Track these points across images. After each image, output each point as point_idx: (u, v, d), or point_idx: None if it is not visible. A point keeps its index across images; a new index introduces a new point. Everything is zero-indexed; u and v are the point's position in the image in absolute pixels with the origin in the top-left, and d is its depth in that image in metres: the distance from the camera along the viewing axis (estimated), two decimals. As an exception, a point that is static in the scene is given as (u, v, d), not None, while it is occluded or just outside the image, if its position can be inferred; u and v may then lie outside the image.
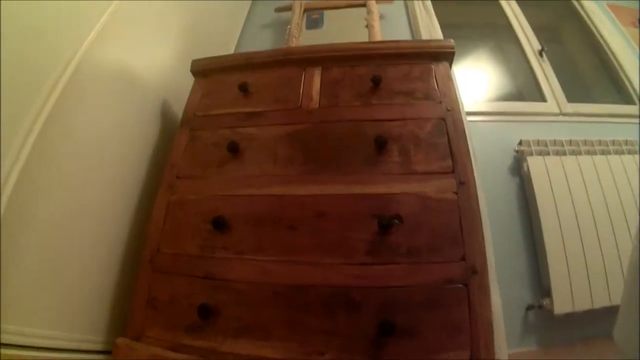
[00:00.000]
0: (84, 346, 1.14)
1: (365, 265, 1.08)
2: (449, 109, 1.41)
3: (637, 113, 2.45)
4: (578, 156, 2.08)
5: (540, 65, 2.64)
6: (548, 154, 2.06)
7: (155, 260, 1.20)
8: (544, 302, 1.75)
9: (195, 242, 1.19)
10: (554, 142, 2.11)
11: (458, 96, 1.47)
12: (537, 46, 2.73)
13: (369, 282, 1.05)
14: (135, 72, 1.49)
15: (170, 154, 1.43)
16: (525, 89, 2.66)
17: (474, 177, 1.26)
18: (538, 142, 2.10)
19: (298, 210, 1.18)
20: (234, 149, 1.32)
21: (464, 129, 1.37)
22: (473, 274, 1.08)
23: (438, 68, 1.56)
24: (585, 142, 2.15)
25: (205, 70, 1.65)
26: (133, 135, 1.46)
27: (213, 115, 1.49)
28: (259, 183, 1.25)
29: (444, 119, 1.38)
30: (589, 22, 2.99)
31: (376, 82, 1.45)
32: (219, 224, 1.16)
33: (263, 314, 1.05)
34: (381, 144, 1.27)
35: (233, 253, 1.15)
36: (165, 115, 1.70)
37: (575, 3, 3.07)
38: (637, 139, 2.18)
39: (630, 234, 1.85)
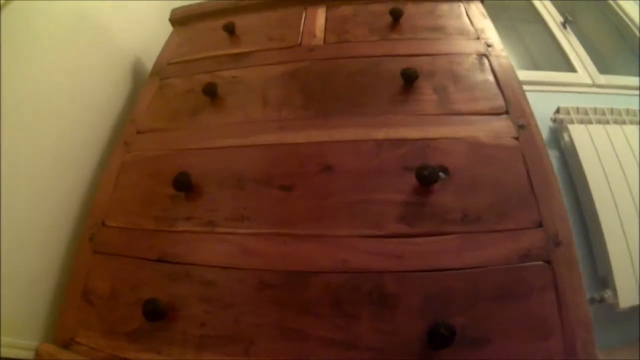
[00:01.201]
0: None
1: (400, 238, 0.65)
2: (490, 44, 1.00)
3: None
4: (623, 125, 1.64)
5: (566, 36, 2.21)
6: (590, 122, 1.63)
7: (98, 237, 0.79)
8: (606, 295, 1.31)
9: (151, 211, 0.77)
10: (595, 111, 1.68)
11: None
12: (559, 18, 2.30)
13: (407, 264, 0.63)
14: (107, 24, 1.11)
15: (133, 109, 1.01)
16: (548, 63, 2.23)
17: (535, 121, 0.84)
18: (578, 110, 1.66)
19: (295, 164, 0.76)
20: (211, 92, 0.91)
21: (512, 67, 0.95)
22: (556, 246, 0.66)
23: (469, 6, 1.15)
24: (627, 112, 1.71)
25: (186, 18, 1.24)
26: (97, 92, 1.06)
27: (189, 61, 1.08)
28: (241, 131, 0.84)
29: (485, 55, 0.96)
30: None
31: (396, 15, 1.04)
32: (183, 184, 0.74)
33: (242, 316, 0.63)
34: (410, 79, 0.85)
35: (201, 225, 0.73)
36: (141, 75, 1.29)
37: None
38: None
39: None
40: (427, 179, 0.66)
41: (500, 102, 0.86)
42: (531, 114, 0.86)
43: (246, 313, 0.62)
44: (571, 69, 2.06)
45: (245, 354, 0.59)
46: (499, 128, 0.81)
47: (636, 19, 2.39)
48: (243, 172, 0.76)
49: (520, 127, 0.82)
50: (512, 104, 0.86)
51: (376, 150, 0.74)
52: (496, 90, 0.89)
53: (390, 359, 0.55)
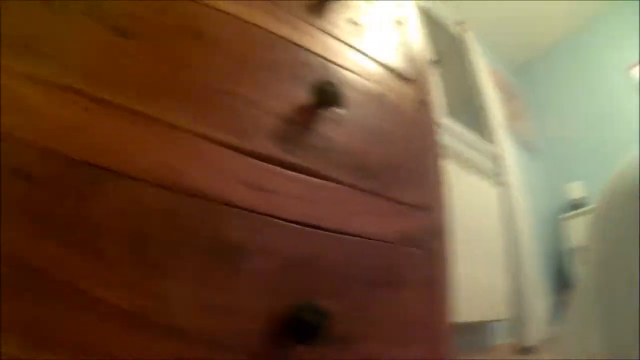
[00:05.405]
0: None
1: (268, 162, 0.43)
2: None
3: (495, 151, 2.32)
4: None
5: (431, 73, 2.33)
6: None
7: None
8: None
9: None
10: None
11: None
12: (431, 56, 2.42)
13: (274, 203, 0.41)
14: None
15: None
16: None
17: (432, 105, 0.74)
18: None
19: (149, 10, 0.45)
20: None
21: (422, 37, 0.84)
22: (436, 238, 0.56)
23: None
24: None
25: None
26: None
27: None
28: None
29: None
30: (467, 64, 2.80)
31: None
32: None
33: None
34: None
35: None
36: None
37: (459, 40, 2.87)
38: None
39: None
40: (327, 98, 0.46)
41: (408, 68, 0.72)
42: (431, 97, 0.75)
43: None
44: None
45: None
46: (404, 91, 0.67)
47: (482, 82, 2.66)
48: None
49: (421, 103, 0.70)
50: (418, 75, 0.74)
51: (269, 43, 0.51)
52: (408, 56, 0.75)
53: (218, 349, 0.32)
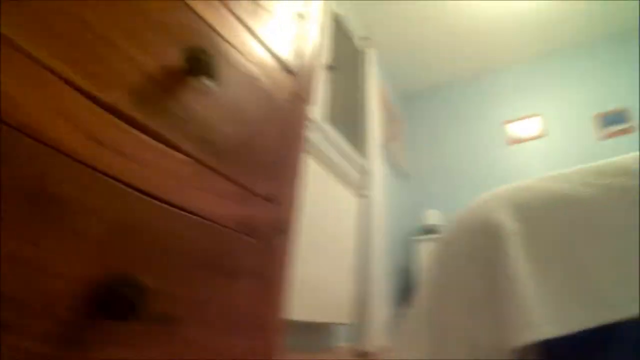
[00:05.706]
0: None
1: (118, 116, 0.38)
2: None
3: (365, 164, 2.47)
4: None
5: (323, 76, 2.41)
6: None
7: None
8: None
9: None
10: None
11: None
12: (328, 62, 2.51)
13: (109, 160, 0.36)
14: None
15: None
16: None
17: (311, 103, 0.76)
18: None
19: None
20: None
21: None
22: (280, 234, 0.57)
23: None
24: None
25: None
26: None
27: None
28: None
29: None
30: (360, 77, 2.98)
31: None
32: None
33: None
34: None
35: None
36: None
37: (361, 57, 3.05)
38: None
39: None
40: (198, 66, 0.44)
41: (294, 61, 0.73)
42: (309, 94, 0.77)
43: None
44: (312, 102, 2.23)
45: None
46: (283, 81, 0.67)
47: (370, 98, 2.83)
48: None
49: (297, 97, 0.70)
50: (302, 71, 0.74)
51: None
52: (299, 50, 0.76)
53: (22, 312, 0.28)
